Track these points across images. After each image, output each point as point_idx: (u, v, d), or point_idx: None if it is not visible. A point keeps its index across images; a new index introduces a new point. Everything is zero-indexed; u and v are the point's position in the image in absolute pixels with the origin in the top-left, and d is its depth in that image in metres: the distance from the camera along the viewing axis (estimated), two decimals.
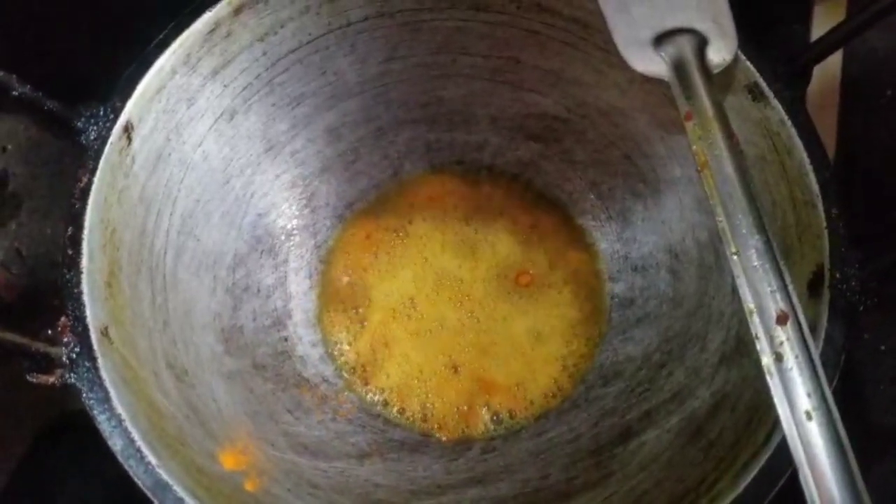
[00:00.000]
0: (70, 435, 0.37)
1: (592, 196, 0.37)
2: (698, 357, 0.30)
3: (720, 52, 0.29)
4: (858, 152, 0.42)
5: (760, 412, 0.26)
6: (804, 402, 0.23)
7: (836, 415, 0.23)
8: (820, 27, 0.45)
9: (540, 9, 0.34)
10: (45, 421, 0.37)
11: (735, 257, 0.25)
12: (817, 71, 0.43)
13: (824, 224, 0.27)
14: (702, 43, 0.29)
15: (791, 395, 0.23)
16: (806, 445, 0.22)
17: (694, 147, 0.27)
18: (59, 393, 0.37)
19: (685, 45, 0.29)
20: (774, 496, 0.24)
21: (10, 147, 0.47)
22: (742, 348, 0.29)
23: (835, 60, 0.44)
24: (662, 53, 0.30)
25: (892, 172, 0.41)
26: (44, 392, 0.39)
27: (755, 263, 0.25)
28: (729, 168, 0.27)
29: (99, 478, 0.36)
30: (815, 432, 0.22)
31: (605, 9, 0.30)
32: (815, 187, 0.28)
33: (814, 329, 0.26)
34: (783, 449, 0.24)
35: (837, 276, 0.26)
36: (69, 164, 0.47)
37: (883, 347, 0.38)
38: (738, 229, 0.26)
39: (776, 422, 0.24)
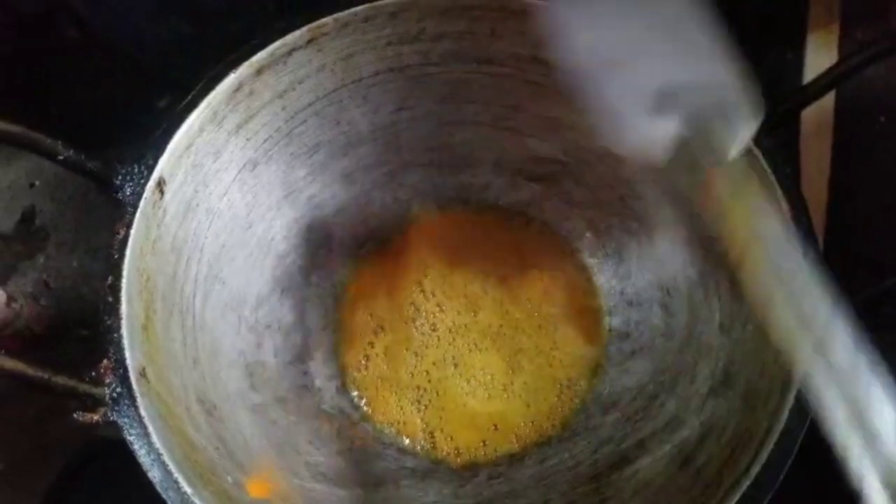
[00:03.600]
0: (98, 463, 0.39)
1: (590, 234, 0.39)
2: (688, 388, 0.32)
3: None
4: (853, 178, 0.43)
5: (743, 442, 0.27)
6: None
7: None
8: (813, 55, 0.47)
9: (537, 62, 0.36)
10: (74, 450, 0.40)
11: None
12: None
13: None
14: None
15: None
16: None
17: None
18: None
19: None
20: None
21: (37, 183, 0.49)
22: (728, 381, 0.30)
23: None
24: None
25: (886, 197, 0.43)
26: (72, 422, 0.41)
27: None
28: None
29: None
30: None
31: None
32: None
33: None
34: (762, 479, 0.26)
35: None
36: (94, 199, 0.50)
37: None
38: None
39: (757, 452, 0.26)
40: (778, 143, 0.31)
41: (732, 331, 0.31)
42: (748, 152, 0.27)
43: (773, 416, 0.27)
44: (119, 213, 0.31)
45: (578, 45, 0.25)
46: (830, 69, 0.31)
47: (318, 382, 0.37)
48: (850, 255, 0.41)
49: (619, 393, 0.35)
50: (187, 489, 0.26)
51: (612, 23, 0.25)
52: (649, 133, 0.25)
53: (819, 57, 0.45)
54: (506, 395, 0.37)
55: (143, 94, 0.48)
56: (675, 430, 0.31)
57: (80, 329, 0.45)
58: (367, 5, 0.34)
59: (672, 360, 0.34)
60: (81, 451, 0.39)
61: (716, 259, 0.33)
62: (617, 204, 0.38)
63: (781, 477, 0.25)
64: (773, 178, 0.30)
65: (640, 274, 0.38)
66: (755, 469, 0.26)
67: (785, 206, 0.30)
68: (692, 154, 0.24)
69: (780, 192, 0.30)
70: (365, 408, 0.37)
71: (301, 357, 0.37)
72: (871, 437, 0.19)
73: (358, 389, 0.37)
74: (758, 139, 0.29)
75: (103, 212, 0.48)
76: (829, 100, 0.44)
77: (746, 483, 0.26)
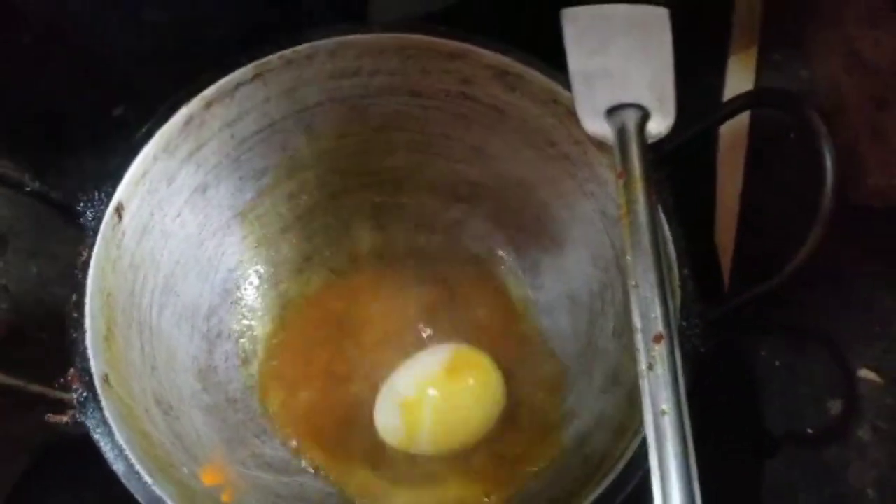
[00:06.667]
0: (60, 460, 0.41)
1: (511, 249, 0.43)
2: (586, 386, 0.37)
3: (658, 126, 0.35)
4: (764, 189, 0.47)
5: (623, 430, 0.32)
6: (663, 402, 0.29)
7: (686, 415, 0.28)
8: (733, 75, 0.51)
9: (465, 97, 0.40)
10: (35, 448, 0.41)
11: (634, 288, 0.31)
12: None
13: (678, 282, 0.33)
14: (644, 117, 0.35)
15: (654, 396, 0.29)
16: (659, 435, 0.28)
17: (620, 199, 0.33)
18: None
19: (630, 118, 0.35)
20: (626, 496, 0.30)
21: None
22: (616, 380, 0.35)
23: None
24: (611, 122, 0.35)
25: (794, 207, 0.45)
26: (35, 419, 0.43)
27: (647, 295, 0.31)
28: (643, 220, 0.32)
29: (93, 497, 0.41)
30: (667, 426, 0.28)
31: (572, 81, 0.36)
32: (673, 254, 0.34)
33: None
34: (633, 462, 0.30)
35: (684, 324, 0.33)
36: (53, 207, 0.52)
37: (777, 363, 0.43)
38: (639, 266, 0.31)
39: (631, 440, 0.31)
40: (659, 179, 0.35)
41: (622, 337, 0.36)
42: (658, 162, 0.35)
43: None
44: (81, 236, 0.35)
45: (576, 58, 0.36)
46: (705, 116, 0.36)
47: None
48: (759, 260, 0.45)
49: (530, 390, 0.39)
50: (148, 479, 0.30)
51: (602, 42, 0.35)
52: (601, 126, 0.36)
53: (739, 78, 0.50)
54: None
55: (97, 104, 0.50)
56: (572, 421, 0.36)
57: (41, 333, 0.46)
58: (308, 44, 0.38)
59: (575, 361, 0.39)
60: (43, 450, 0.41)
61: (612, 276, 0.38)
62: (533, 224, 0.42)
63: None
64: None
65: (552, 286, 0.41)
66: (628, 454, 0.30)
67: (666, 226, 0.34)
68: (624, 142, 0.34)
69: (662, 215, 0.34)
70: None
71: (250, 361, 0.41)
72: (647, 337, 0.30)
73: (305, 389, 0.40)
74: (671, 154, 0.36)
75: (58, 220, 0.50)
76: (744, 116, 0.49)
77: (621, 466, 0.30)
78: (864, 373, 0.43)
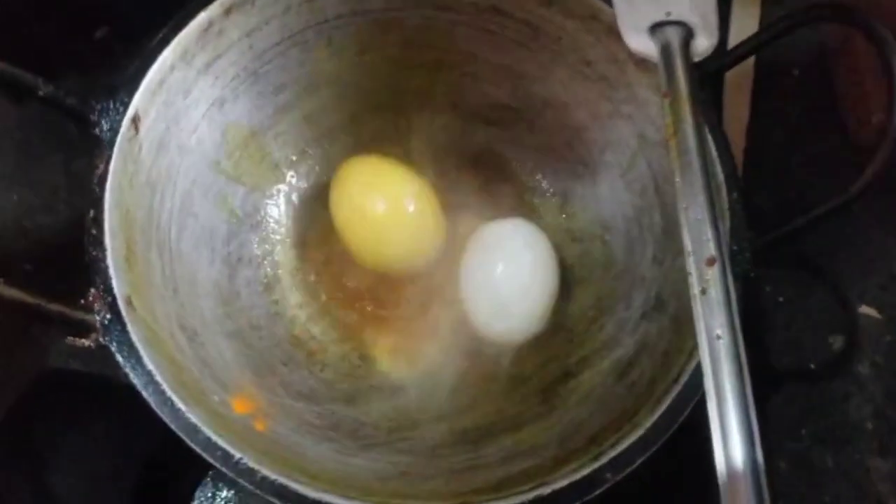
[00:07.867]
0: (53, 395, 0.40)
1: (539, 176, 0.42)
2: (625, 313, 0.36)
3: (703, 44, 0.34)
4: (769, 126, 0.47)
5: (672, 357, 0.31)
6: (717, 326, 0.28)
7: (740, 338, 0.27)
8: (738, 13, 0.51)
9: (495, 11, 0.38)
10: (28, 383, 0.40)
11: (684, 211, 0.30)
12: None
13: (727, 206, 0.33)
14: (689, 35, 0.34)
15: (708, 320, 0.28)
16: (714, 360, 0.27)
17: (667, 120, 0.32)
18: (43, 354, 0.40)
19: (674, 35, 0.34)
20: (680, 424, 0.30)
21: None
22: (659, 306, 0.34)
23: None
24: (655, 40, 0.34)
25: (797, 143, 0.47)
26: (29, 352, 0.41)
27: (698, 217, 0.29)
28: (691, 140, 0.31)
29: (89, 434, 0.40)
30: (722, 350, 0.27)
31: None
32: (721, 177, 0.33)
33: None
34: (689, 387, 0.30)
35: (735, 248, 0.32)
36: (29, 134, 0.49)
37: (780, 299, 0.44)
38: (689, 189, 0.30)
39: (684, 365, 0.31)
40: (705, 100, 0.34)
41: (664, 263, 0.35)
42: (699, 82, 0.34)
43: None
44: (97, 148, 0.32)
45: None
46: (751, 37, 0.35)
47: (288, 312, 0.39)
48: (763, 195, 0.45)
49: (563, 317, 0.39)
50: (181, 406, 0.28)
51: None
52: (645, 43, 0.35)
53: (743, 16, 0.49)
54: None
55: (78, 26, 0.47)
56: (612, 348, 0.35)
57: (25, 264, 0.44)
58: None
59: (610, 288, 0.38)
60: (34, 386, 0.40)
61: (649, 201, 0.37)
62: (563, 148, 0.41)
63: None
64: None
65: (584, 213, 0.41)
66: (683, 378, 0.30)
67: (713, 147, 0.34)
68: (669, 60, 0.34)
69: (709, 136, 0.33)
70: (333, 333, 0.39)
71: (272, 287, 0.39)
72: (699, 260, 0.29)
73: (326, 317, 0.39)
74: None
75: (41, 146, 0.47)
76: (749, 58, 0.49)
77: (675, 391, 0.30)
78: (865, 309, 0.43)
